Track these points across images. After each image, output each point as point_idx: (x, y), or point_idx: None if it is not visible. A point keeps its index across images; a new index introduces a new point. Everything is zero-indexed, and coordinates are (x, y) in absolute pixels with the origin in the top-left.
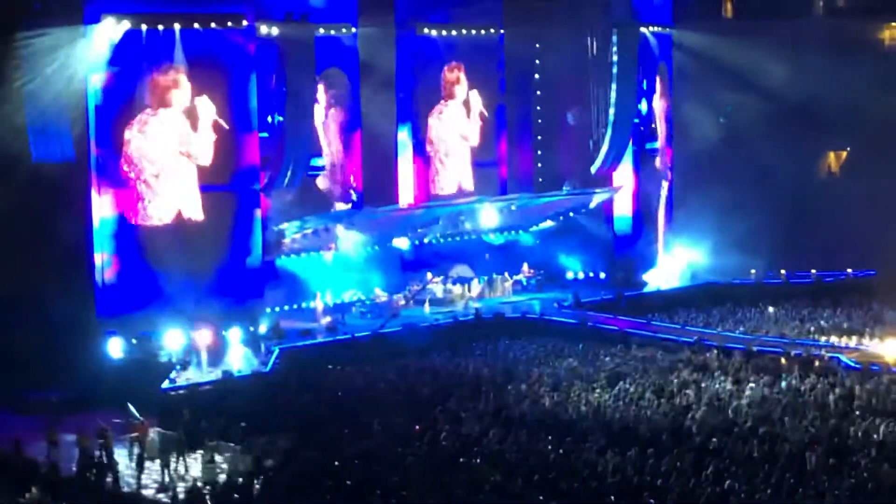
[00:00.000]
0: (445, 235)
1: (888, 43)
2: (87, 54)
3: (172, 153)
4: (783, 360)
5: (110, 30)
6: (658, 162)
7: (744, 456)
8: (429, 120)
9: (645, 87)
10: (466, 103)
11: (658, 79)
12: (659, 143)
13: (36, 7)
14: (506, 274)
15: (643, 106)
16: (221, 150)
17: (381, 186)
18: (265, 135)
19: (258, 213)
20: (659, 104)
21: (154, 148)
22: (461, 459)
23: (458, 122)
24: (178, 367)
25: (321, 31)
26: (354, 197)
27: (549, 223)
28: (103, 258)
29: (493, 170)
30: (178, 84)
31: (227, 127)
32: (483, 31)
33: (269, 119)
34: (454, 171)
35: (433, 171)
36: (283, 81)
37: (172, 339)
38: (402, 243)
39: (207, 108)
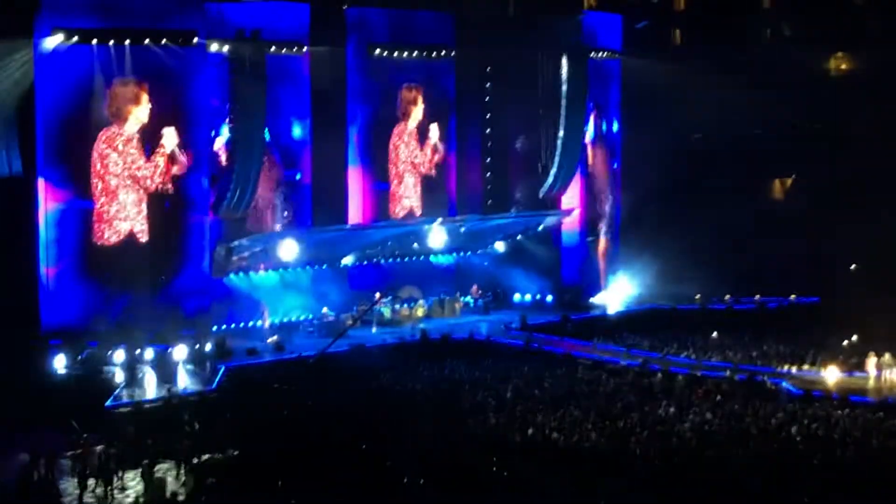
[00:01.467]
0: (394, 255)
1: (833, 72)
2: (33, 68)
3: (124, 174)
4: (726, 385)
5: (59, 44)
6: (605, 187)
7: (687, 480)
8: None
9: (594, 112)
10: (422, 129)
11: (604, 104)
12: (607, 168)
13: None
14: (457, 295)
15: (591, 130)
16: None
17: (330, 206)
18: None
19: (206, 230)
20: (605, 129)
21: (113, 165)
22: (405, 480)
23: (412, 149)
24: (122, 384)
25: (272, 49)
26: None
27: (498, 245)
28: (49, 272)
29: (443, 191)
30: (139, 99)
31: (184, 161)
32: (434, 54)
33: (213, 134)
34: (404, 195)
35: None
36: (232, 99)
37: (117, 355)
38: (348, 261)
39: (170, 139)
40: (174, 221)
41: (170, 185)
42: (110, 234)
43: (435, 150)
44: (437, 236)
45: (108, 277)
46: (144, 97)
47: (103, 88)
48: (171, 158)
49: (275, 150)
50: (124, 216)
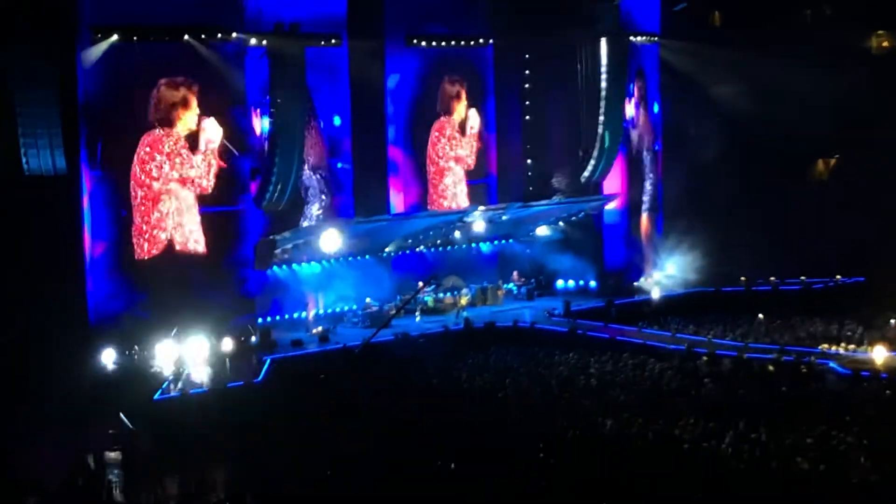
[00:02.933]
0: (436, 245)
1: (875, 50)
2: (76, 67)
3: (171, 178)
4: (773, 367)
5: (100, 43)
6: (648, 170)
7: (735, 466)
8: (421, 136)
9: (634, 95)
10: (464, 122)
11: (643, 86)
12: (649, 151)
13: (24, 26)
14: (499, 283)
15: (631, 111)
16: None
17: (372, 199)
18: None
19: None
20: (646, 112)
21: (156, 170)
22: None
23: (454, 143)
24: (169, 378)
25: (311, 42)
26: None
27: (540, 232)
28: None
29: (484, 181)
30: (188, 103)
31: (236, 153)
32: (472, 42)
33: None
34: (448, 189)
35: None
36: (272, 92)
37: (164, 351)
38: (391, 248)
39: (215, 132)
40: (219, 221)
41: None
42: (155, 248)
43: (479, 137)
44: (478, 224)
45: (151, 279)
46: (194, 101)
47: (148, 89)
48: (222, 152)
49: (324, 135)
50: (167, 226)
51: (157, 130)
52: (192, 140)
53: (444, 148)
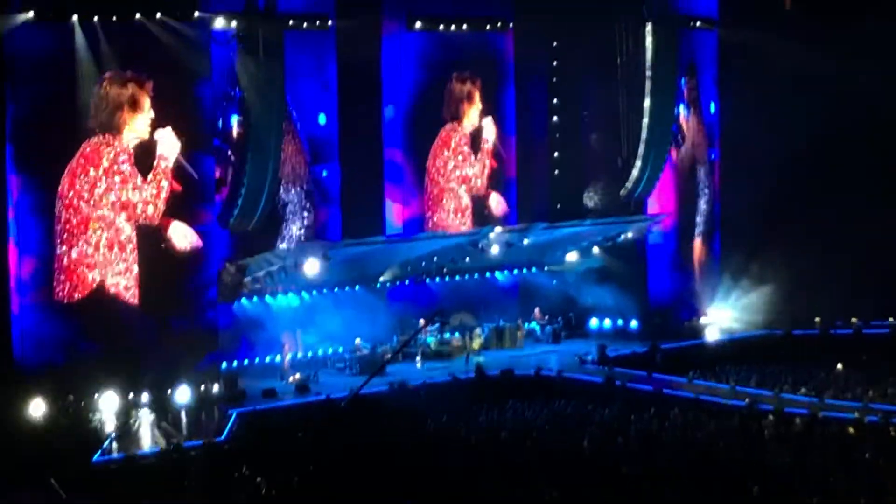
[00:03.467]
0: (442, 273)
1: None
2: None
3: (109, 203)
4: (854, 429)
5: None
6: (703, 184)
7: None
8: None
9: (685, 93)
10: (476, 133)
11: (696, 83)
12: (703, 162)
13: None
14: (518, 322)
15: (682, 113)
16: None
17: (364, 215)
18: None
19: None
20: (699, 114)
21: (88, 190)
22: None
23: (461, 159)
24: (113, 434)
25: (291, 23)
26: None
27: (570, 259)
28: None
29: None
30: (138, 104)
31: (195, 176)
32: (488, 26)
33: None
34: (452, 206)
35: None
36: (243, 86)
37: (107, 401)
38: (387, 277)
39: (170, 146)
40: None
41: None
42: (73, 289)
43: (494, 154)
44: (495, 249)
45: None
46: (146, 102)
47: (90, 85)
48: (177, 173)
49: (302, 136)
50: (95, 262)
51: (98, 138)
52: (143, 153)
53: (448, 164)
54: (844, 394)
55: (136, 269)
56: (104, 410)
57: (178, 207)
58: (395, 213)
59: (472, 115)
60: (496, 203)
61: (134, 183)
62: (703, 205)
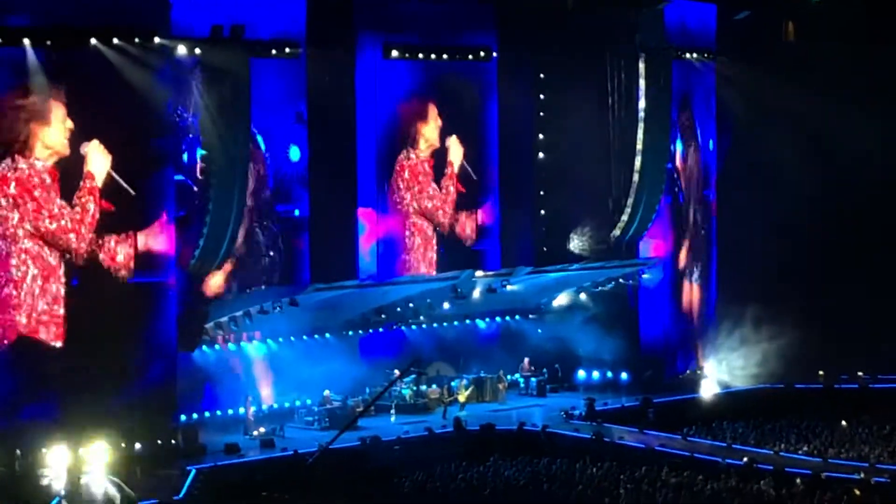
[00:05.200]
0: (418, 321)
1: None
2: None
3: (26, 232)
4: (859, 491)
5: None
6: (698, 226)
7: None
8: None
9: (681, 127)
10: (439, 155)
11: (691, 116)
12: (698, 202)
13: None
14: (500, 373)
15: (677, 149)
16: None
17: (333, 256)
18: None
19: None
20: (696, 149)
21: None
22: None
23: (423, 186)
24: (62, 492)
25: (258, 51)
26: None
27: (556, 304)
28: None
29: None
30: (46, 116)
31: (132, 192)
32: (471, 56)
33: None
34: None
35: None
36: (206, 117)
37: (55, 456)
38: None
39: (99, 161)
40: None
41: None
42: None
43: (458, 178)
44: (476, 294)
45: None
46: (59, 112)
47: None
48: (107, 192)
49: (269, 170)
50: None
51: (5, 161)
52: (68, 172)
53: (404, 195)
54: (849, 452)
55: (61, 311)
56: (53, 466)
57: (113, 232)
58: (366, 235)
59: (429, 134)
60: (468, 229)
61: (50, 209)
62: (695, 247)
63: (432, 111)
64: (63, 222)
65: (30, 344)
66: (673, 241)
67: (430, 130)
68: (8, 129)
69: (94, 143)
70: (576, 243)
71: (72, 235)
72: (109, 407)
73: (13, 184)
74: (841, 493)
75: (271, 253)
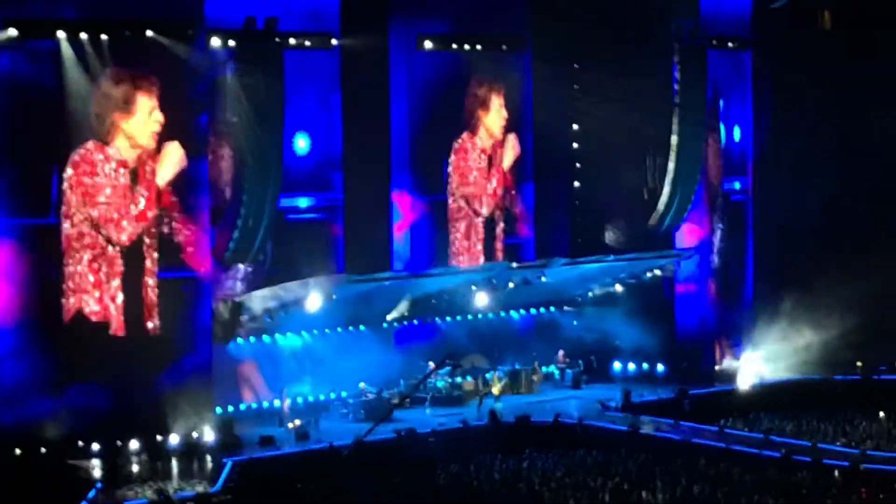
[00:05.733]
0: (453, 313)
1: None
2: None
3: (85, 217)
4: None
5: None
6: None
7: None
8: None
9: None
10: (496, 147)
11: (727, 107)
12: (732, 192)
13: None
14: (535, 365)
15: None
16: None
17: (368, 247)
18: None
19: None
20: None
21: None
22: None
23: (480, 173)
24: (99, 483)
25: (292, 42)
26: None
27: (592, 297)
28: None
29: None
30: (131, 108)
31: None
32: (504, 46)
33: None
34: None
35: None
36: (240, 108)
37: (94, 447)
38: (393, 316)
39: (172, 163)
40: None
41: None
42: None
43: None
44: (510, 286)
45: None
46: (148, 102)
47: (86, 85)
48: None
49: None
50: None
51: (90, 144)
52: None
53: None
54: (888, 444)
55: (120, 297)
56: (91, 456)
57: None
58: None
59: (492, 123)
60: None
61: (117, 200)
62: (719, 239)
63: (491, 96)
64: (111, 212)
65: (80, 329)
66: (711, 232)
67: (492, 118)
68: (102, 114)
69: (175, 144)
70: (610, 236)
71: (123, 223)
72: (147, 398)
73: (97, 167)
74: (880, 485)
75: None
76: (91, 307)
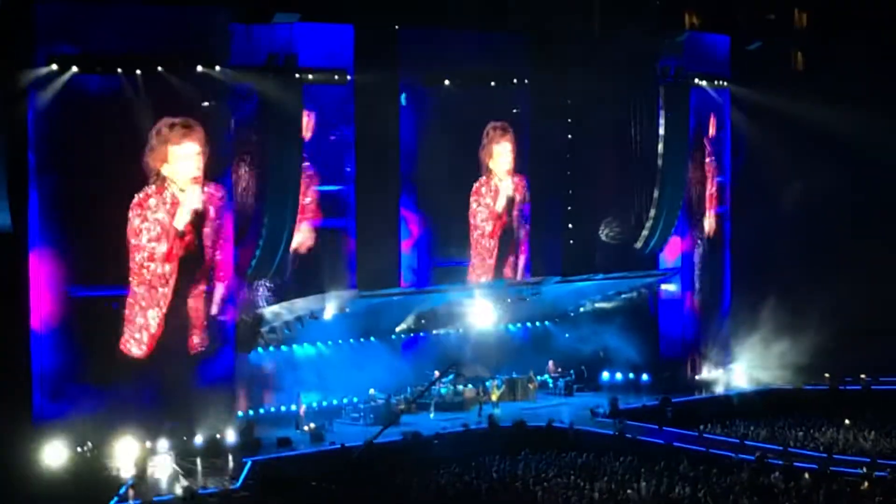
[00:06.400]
0: (455, 325)
1: None
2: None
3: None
4: (864, 484)
5: (56, 74)
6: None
7: None
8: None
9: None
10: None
11: (708, 139)
12: (713, 215)
13: None
14: (531, 374)
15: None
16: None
17: (379, 267)
18: None
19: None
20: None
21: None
22: None
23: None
24: (129, 481)
25: (310, 78)
26: None
27: (583, 311)
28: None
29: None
30: (182, 159)
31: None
32: (505, 83)
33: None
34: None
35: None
36: (262, 137)
37: (123, 448)
38: (402, 328)
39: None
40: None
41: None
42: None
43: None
44: (508, 301)
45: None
46: (196, 147)
47: (144, 129)
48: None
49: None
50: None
51: (150, 187)
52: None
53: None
54: (853, 449)
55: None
56: (121, 457)
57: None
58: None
59: (503, 162)
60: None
61: (161, 233)
62: (700, 258)
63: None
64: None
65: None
66: (693, 255)
67: (503, 159)
68: (160, 158)
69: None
70: (605, 232)
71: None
72: (175, 403)
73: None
74: (845, 486)
75: None
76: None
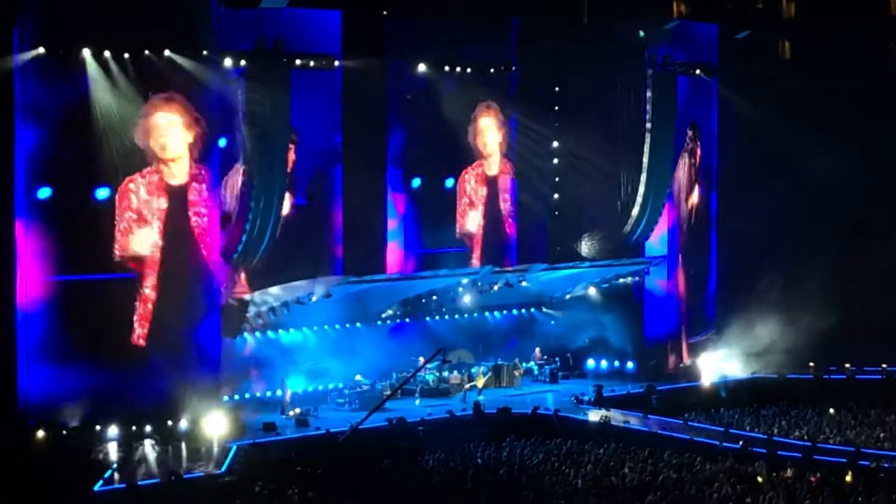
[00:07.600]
0: (441, 313)
1: None
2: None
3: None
4: (847, 474)
5: (44, 57)
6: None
7: None
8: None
9: (686, 138)
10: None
11: (695, 128)
12: (697, 202)
13: None
14: (516, 361)
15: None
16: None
17: (365, 252)
18: None
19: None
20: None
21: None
22: None
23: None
24: (114, 464)
25: (298, 63)
26: None
27: (569, 298)
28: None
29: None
30: (165, 129)
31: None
32: (493, 70)
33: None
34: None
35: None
36: (250, 122)
37: (110, 432)
38: (387, 314)
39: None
40: (178, 277)
41: None
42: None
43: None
44: (493, 288)
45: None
46: (179, 119)
47: (135, 106)
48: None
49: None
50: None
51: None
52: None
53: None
54: (837, 438)
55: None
56: (107, 441)
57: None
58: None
59: (492, 139)
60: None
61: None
62: (686, 245)
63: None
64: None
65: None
66: (679, 242)
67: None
68: (153, 136)
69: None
70: (585, 247)
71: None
72: (160, 386)
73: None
74: (828, 476)
75: None
76: None
